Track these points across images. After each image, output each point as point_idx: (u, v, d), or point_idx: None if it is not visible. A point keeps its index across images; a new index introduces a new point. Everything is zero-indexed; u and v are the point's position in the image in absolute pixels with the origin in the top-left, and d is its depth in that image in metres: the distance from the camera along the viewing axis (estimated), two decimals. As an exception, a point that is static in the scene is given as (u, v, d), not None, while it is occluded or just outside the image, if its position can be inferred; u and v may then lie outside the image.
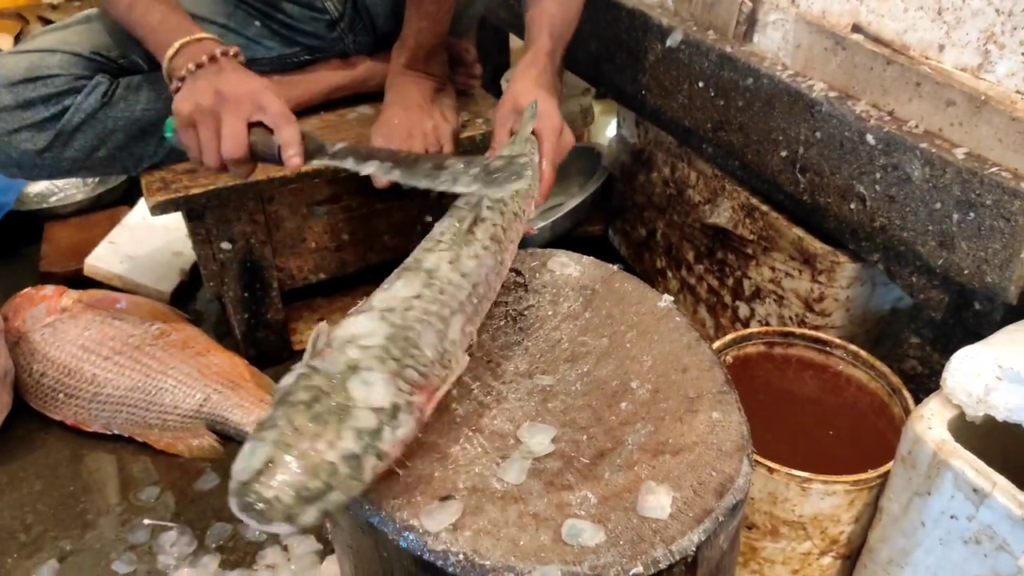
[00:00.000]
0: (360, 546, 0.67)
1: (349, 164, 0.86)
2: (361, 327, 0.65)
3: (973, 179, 0.80)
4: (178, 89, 0.94)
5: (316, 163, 0.89)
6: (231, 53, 0.96)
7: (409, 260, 0.74)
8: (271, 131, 0.90)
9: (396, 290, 0.69)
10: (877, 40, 0.91)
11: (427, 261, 0.72)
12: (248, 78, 0.93)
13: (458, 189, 0.78)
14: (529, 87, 0.99)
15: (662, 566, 0.58)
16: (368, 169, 0.85)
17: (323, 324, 0.67)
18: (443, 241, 0.74)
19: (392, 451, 0.60)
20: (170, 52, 0.96)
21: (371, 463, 0.57)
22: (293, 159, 0.88)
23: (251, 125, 0.90)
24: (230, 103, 0.89)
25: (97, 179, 1.80)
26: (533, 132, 0.93)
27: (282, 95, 1.28)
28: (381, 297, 0.69)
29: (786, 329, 1.04)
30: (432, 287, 0.69)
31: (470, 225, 0.76)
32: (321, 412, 0.57)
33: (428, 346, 0.65)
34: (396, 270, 0.73)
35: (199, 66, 0.93)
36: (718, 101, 1.12)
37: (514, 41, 2.08)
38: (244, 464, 0.56)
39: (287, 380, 0.61)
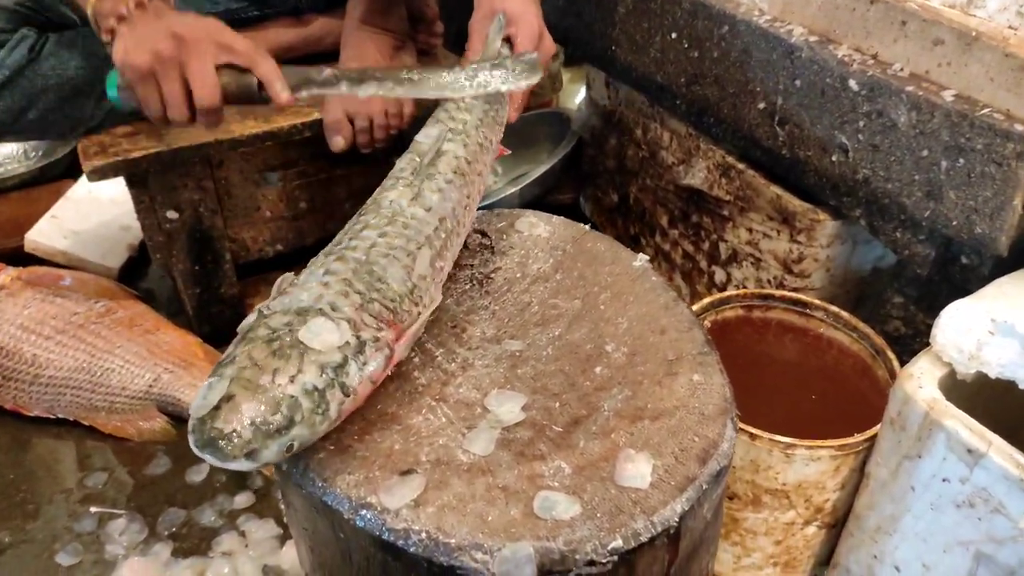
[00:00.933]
0: (315, 527, 0.61)
1: (343, 89, 0.78)
2: (324, 266, 0.63)
3: (963, 122, 0.75)
4: (112, 36, 0.82)
5: (305, 94, 0.80)
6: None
7: (370, 200, 0.71)
8: (241, 71, 0.80)
9: (358, 230, 0.67)
10: (859, -20, 0.86)
11: (388, 197, 0.70)
12: (198, 18, 0.82)
13: (471, 93, 0.79)
14: None
15: (643, 539, 0.53)
16: (367, 91, 0.79)
17: (288, 273, 0.66)
18: (403, 177, 0.72)
19: (360, 388, 0.58)
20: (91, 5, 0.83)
21: (337, 399, 0.56)
22: (281, 94, 0.79)
23: (217, 68, 0.80)
24: (193, 46, 0.78)
25: (40, 152, 1.71)
26: (508, 40, 0.88)
27: None
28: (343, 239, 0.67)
29: (765, 292, 1.00)
30: (396, 223, 0.67)
31: (432, 159, 0.73)
32: (282, 347, 0.56)
33: (395, 280, 0.64)
34: (358, 211, 0.71)
35: (138, 5, 0.82)
36: (692, 53, 1.06)
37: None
38: (202, 400, 0.54)
39: (248, 320, 0.60)
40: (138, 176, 1.10)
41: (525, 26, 0.88)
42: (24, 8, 1.08)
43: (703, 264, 1.22)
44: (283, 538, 0.99)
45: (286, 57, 1.26)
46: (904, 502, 0.77)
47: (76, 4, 0.91)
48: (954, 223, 0.80)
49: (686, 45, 1.07)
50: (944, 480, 0.71)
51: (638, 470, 0.57)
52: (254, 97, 0.81)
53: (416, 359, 0.68)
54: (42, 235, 1.41)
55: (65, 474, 1.09)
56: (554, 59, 1.79)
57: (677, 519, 0.55)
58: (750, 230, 1.09)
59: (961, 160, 0.77)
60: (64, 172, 1.67)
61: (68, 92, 1.09)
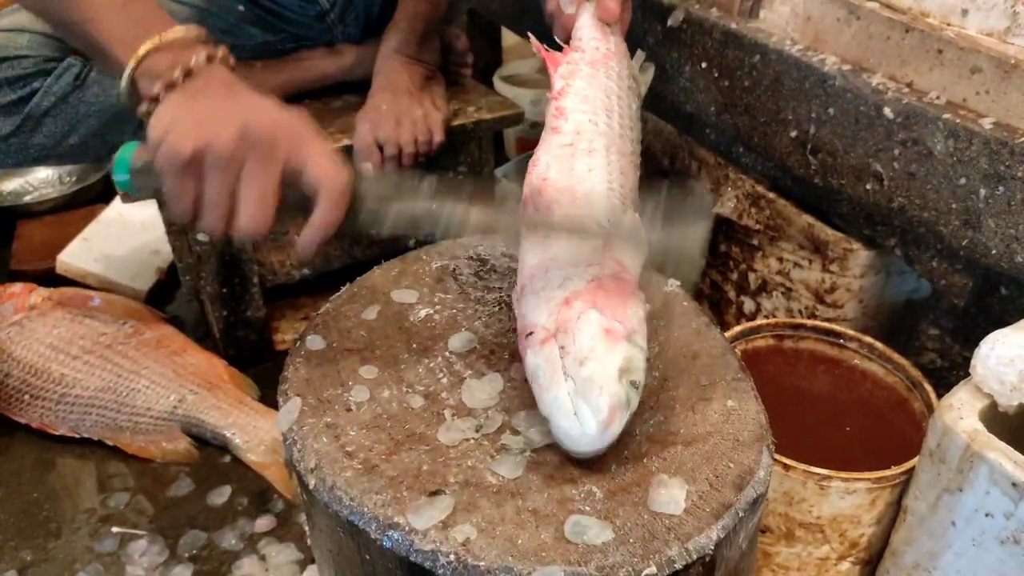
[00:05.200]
0: (340, 549, 0.60)
1: (447, 216, 0.62)
2: None
3: (1002, 150, 0.74)
4: (155, 103, 0.62)
5: (393, 210, 0.62)
6: (229, 58, 0.66)
7: None
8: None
9: None
10: (892, 7, 0.86)
11: None
12: (280, 106, 0.62)
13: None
14: None
15: (677, 566, 0.52)
16: (473, 216, 0.62)
17: None
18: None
19: None
20: (143, 49, 0.63)
21: None
22: (310, 245, 0.62)
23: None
24: (264, 149, 0.58)
25: (74, 177, 1.74)
26: None
27: (268, 83, 1.24)
28: None
29: (797, 321, 0.99)
30: None
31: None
32: None
33: None
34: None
35: (188, 74, 0.62)
36: (722, 82, 1.06)
37: (506, 37, 2.03)
38: None
39: None
40: (170, 198, 1.11)
41: None
42: None
43: (731, 294, 1.20)
44: (303, 563, 0.98)
45: (319, 85, 1.29)
46: (944, 538, 0.74)
47: (109, 59, 0.66)
48: (993, 252, 0.79)
49: (716, 74, 1.07)
50: (987, 515, 0.69)
51: (672, 496, 0.56)
52: (303, 213, 0.62)
53: (444, 380, 0.67)
54: (73, 257, 1.43)
55: (87, 494, 1.09)
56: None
57: (712, 547, 0.53)
58: (780, 259, 1.08)
59: (1001, 188, 0.75)
60: (97, 197, 1.69)
61: (109, 118, 1.11)
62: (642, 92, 0.88)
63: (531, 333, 0.61)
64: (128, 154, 0.62)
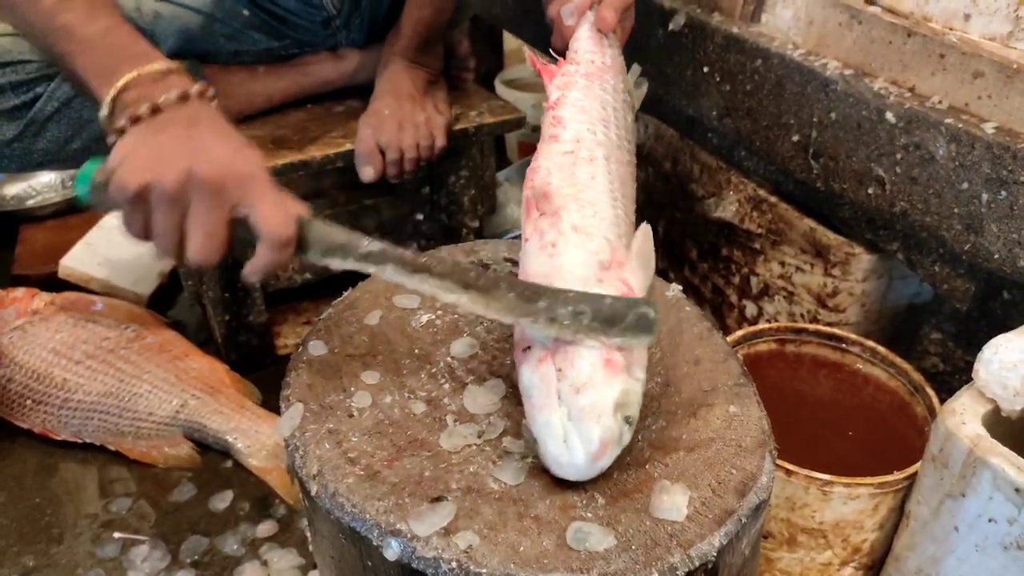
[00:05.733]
0: (342, 555, 0.60)
1: (387, 273, 0.63)
2: None
3: (1005, 154, 0.74)
4: (120, 133, 0.64)
5: (334, 263, 0.64)
6: (208, 94, 0.67)
7: None
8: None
9: None
10: (895, 12, 0.86)
11: None
12: (235, 148, 0.63)
13: (557, 333, 0.59)
14: None
15: (680, 573, 0.52)
16: (419, 285, 0.63)
17: None
18: None
19: None
20: (121, 82, 0.64)
21: None
22: (250, 278, 0.64)
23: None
24: (207, 192, 0.60)
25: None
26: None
27: (269, 88, 1.25)
28: None
29: (798, 325, 0.99)
30: None
31: None
32: None
33: None
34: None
35: (155, 110, 0.63)
36: (724, 86, 1.06)
37: (507, 41, 2.04)
38: None
39: None
40: (173, 203, 1.11)
41: None
42: None
43: (733, 298, 1.20)
44: (305, 568, 0.98)
45: (322, 91, 1.29)
46: (947, 543, 0.74)
47: (90, 91, 0.68)
48: (995, 257, 0.79)
49: (718, 79, 1.07)
50: (990, 520, 0.69)
51: (674, 502, 0.56)
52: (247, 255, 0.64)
53: (446, 386, 0.67)
54: (76, 261, 1.43)
55: (89, 499, 1.09)
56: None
57: (715, 554, 0.53)
58: (783, 263, 1.08)
59: (1003, 192, 0.75)
60: (99, 201, 1.69)
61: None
62: (636, 106, 0.88)
63: (528, 348, 0.60)
64: (91, 169, 0.64)
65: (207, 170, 0.60)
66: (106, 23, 0.69)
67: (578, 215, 0.67)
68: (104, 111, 0.65)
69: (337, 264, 0.64)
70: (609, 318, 0.58)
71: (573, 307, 0.58)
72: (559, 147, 0.75)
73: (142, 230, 0.62)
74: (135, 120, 0.63)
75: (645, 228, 0.69)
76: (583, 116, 0.78)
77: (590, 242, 0.65)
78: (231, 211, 0.61)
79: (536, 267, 0.65)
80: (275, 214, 0.61)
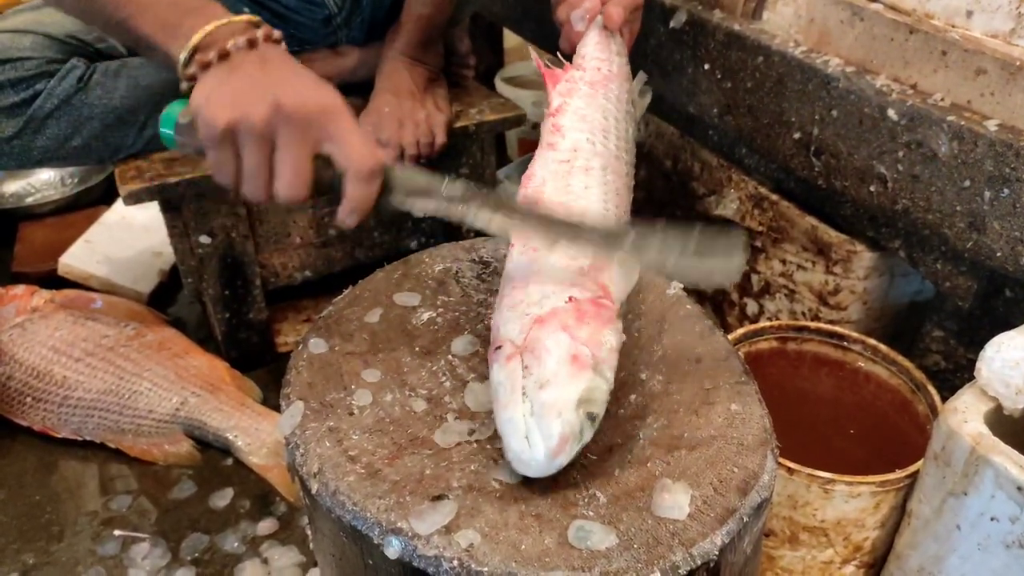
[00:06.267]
0: (343, 554, 0.60)
1: (471, 215, 0.62)
2: None
3: (1008, 152, 0.74)
4: (195, 77, 0.64)
5: (421, 207, 0.64)
6: (275, 37, 0.67)
7: None
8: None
9: None
10: (896, 9, 0.85)
11: None
12: (314, 83, 0.64)
13: (649, 265, 0.63)
14: None
15: (682, 572, 0.52)
16: (504, 226, 0.63)
17: None
18: None
19: None
20: (196, 38, 0.64)
21: None
22: (346, 220, 0.64)
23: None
24: (295, 125, 0.60)
25: (76, 178, 1.74)
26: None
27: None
28: None
29: (800, 323, 0.98)
30: None
31: None
32: None
33: None
34: None
35: (223, 55, 0.63)
36: (725, 84, 1.06)
37: (507, 38, 2.03)
38: None
39: None
40: (173, 201, 1.11)
41: None
42: (75, 40, 1.10)
43: (734, 296, 1.20)
44: (306, 566, 0.97)
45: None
46: (949, 542, 0.74)
47: (157, 51, 0.69)
48: (998, 254, 0.78)
49: (719, 76, 1.07)
50: (993, 519, 0.69)
51: (675, 500, 0.55)
52: (338, 196, 0.64)
53: (447, 383, 0.67)
54: (75, 259, 1.43)
55: (90, 497, 1.09)
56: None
57: (717, 552, 0.53)
58: (784, 261, 1.07)
59: (1006, 190, 0.75)
60: (99, 198, 1.69)
61: (112, 120, 1.11)
62: (638, 116, 0.88)
63: (499, 347, 0.60)
64: (175, 111, 0.64)
65: (293, 102, 0.59)
66: None
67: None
68: (180, 63, 0.65)
69: (420, 206, 0.64)
70: (697, 246, 0.60)
71: (660, 238, 0.60)
72: (555, 155, 0.75)
73: (232, 170, 0.62)
74: (205, 66, 0.63)
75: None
76: (583, 125, 0.78)
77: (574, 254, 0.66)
78: (316, 146, 0.61)
79: (515, 273, 0.65)
80: (361, 146, 0.61)
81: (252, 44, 0.64)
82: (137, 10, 0.69)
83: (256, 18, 0.68)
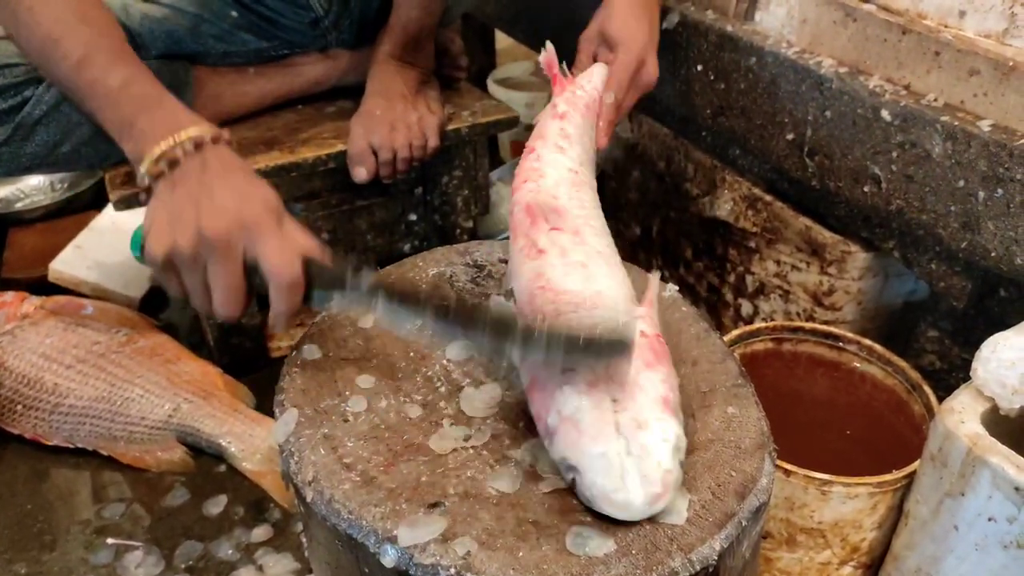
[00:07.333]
0: (339, 562, 0.59)
1: (378, 307, 0.63)
2: None
3: (1001, 152, 0.74)
4: (148, 192, 0.69)
5: (333, 301, 0.66)
6: (222, 137, 0.71)
7: None
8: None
9: None
10: (889, 10, 0.85)
11: None
12: (239, 195, 0.65)
13: (539, 356, 0.58)
14: (621, 8, 0.90)
15: (681, 578, 0.51)
16: (408, 318, 0.63)
17: None
18: None
19: None
20: (147, 161, 0.69)
21: None
22: (274, 328, 0.67)
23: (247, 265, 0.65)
24: (217, 249, 0.63)
25: (66, 184, 1.73)
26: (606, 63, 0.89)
27: (253, 93, 1.23)
28: None
29: (795, 324, 0.98)
30: None
31: None
32: None
33: None
34: None
35: (173, 164, 0.68)
36: (718, 85, 1.06)
37: (499, 40, 2.03)
38: None
39: None
40: (163, 205, 1.10)
41: (624, 54, 0.87)
42: None
43: (728, 297, 1.20)
44: (301, 573, 0.97)
45: (314, 91, 1.28)
46: (946, 542, 0.74)
47: (109, 135, 0.74)
48: (992, 255, 0.78)
49: (712, 77, 1.07)
50: (990, 519, 0.69)
51: (673, 505, 0.55)
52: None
53: (442, 389, 0.66)
54: (66, 265, 1.42)
55: (82, 505, 1.08)
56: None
57: (716, 557, 0.53)
58: (778, 262, 1.07)
59: (1000, 190, 0.75)
60: (89, 203, 1.68)
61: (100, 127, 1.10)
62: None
63: (572, 369, 0.56)
64: (139, 235, 0.70)
65: (213, 225, 0.63)
66: (124, 74, 0.74)
67: (596, 241, 0.67)
68: (140, 172, 0.70)
69: (336, 303, 0.66)
70: (585, 342, 0.56)
71: (547, 338, 0.56)
72: (566, 162, 0.75)
73: (180, 289, 0.67)
74: (158, 176, 0.68)
75: (655, 276, 0.70)
76: (580, 146, 0.78)
77: (618, 272, 0.65)
78: (245, 259, 0.64)
79: (567, 283, 0.62)
80: (279, 258, 0.63)
81: (199, 147, 0.68)
82: (101, 105, 0.74)
83: (207, 125, 0.71)
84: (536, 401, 0.59)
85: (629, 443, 0.52)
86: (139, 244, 0.71)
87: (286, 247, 0.64)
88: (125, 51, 0.77)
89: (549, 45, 0.89)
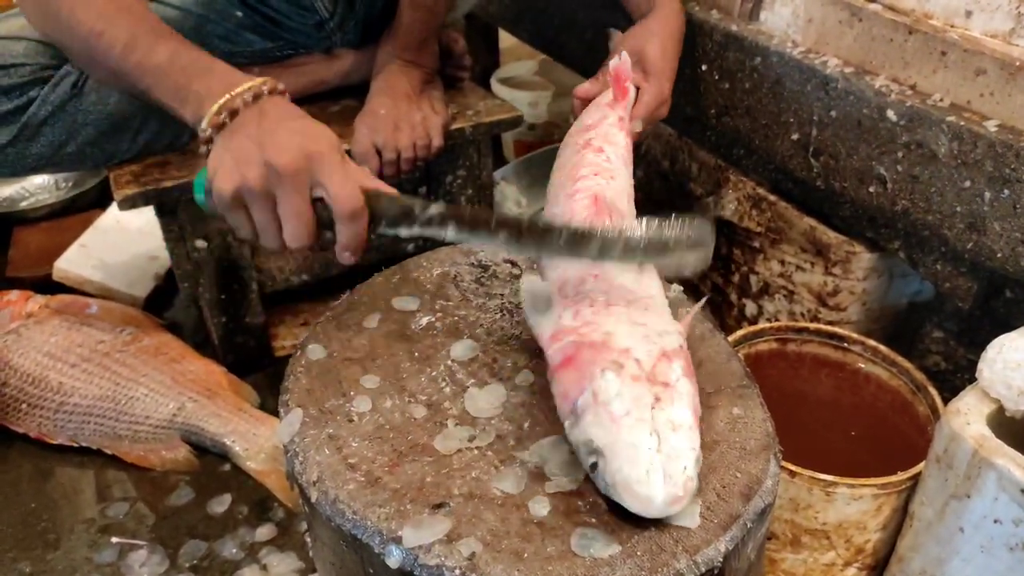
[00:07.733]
0: (343, 563, 0.59)
1: (449, 234, 0.66)
2: None
3: (1008, 152, 0.73)
4: (209, 143, 0.72)
5: (405, 232, 0.67)
6: (279, 89, 0.74)
7: None
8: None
9: None
10: (895, 10, 0.85)
11: None
12: (301, 132, 0.69)
13: (615, 261, 0.64)
14: (663, 36, 0.94)
15: (686, 580, 0.51)
16: (481, 241, 0.68)
17: None
18: None
19: None
20: (214, 108, 0.71)
21: None
22: (343, 256, 0.69)
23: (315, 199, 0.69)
24: (285, 180, 0.66)
25: (70, 182, 1.73)
26: (636, 86, 0.92)
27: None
28: None
29: (800, 324, 0.98)
30: None
31: None
32: None
33: None
34: None
35: (233, 114, 0.71)
36: (723, 84, 1.06)
37: (503, 39, 2.03)
38: None
39: None
40: (168, 205, 1.10)
41: (656, 86, 0.92)
42: None
43: (733, 297, 1.20)
44: (305, 572, 0.97)
45: (318, 91, 1.28)
46: (952, 544, 0.74)
47: (175, 113, 0.77)
48: (998, 255, 0.78)
49: (716, 77, 1.07)
50: (996, 521, 0.68)
51: (688, 508, 0.55)
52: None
53: (447, 389, 0.66)
54: (70, 264, 1.42)
55: (86, 504, 1.08)
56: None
57: (721, 559, 0.52)
58: (782, 262, 1.07)
59: (1006, 191, 0.75)
60: (94, 202, 1.68)
61: (107, 127, 1.10)
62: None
63: (622, 365, 0.56)
64: (203, 177, 0.71)
65: (280, 159, 0.65)
66: (169, 48, 0.77)
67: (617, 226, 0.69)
68: (202, 127, 0.72)
69: (405, 232, 0.68)
70: (664, 239, 0.63)
71: (624, 242, 0.62)
72: (629, 177, 0.79)
73: (249, 228, 0.69)
74: (219, 127, 0.71)
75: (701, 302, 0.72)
76: (621, 163, 0.82)
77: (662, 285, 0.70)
78: (311, 191, 0.67)
79: (620, 279, 0.66)
80: (342, 188, 0.66)
81: (257, 97, 0.71)
82: (154, 81, 0.77)
83: (261, 79, 0.73)
84: (564, 380, 0.58)
85: (661, 442, 0.53)
86: (202, 188, 0.72)
87: (349, 178, 0.67)
88: (165, 30, 0.80)
89: (625, 55, 0.91)
